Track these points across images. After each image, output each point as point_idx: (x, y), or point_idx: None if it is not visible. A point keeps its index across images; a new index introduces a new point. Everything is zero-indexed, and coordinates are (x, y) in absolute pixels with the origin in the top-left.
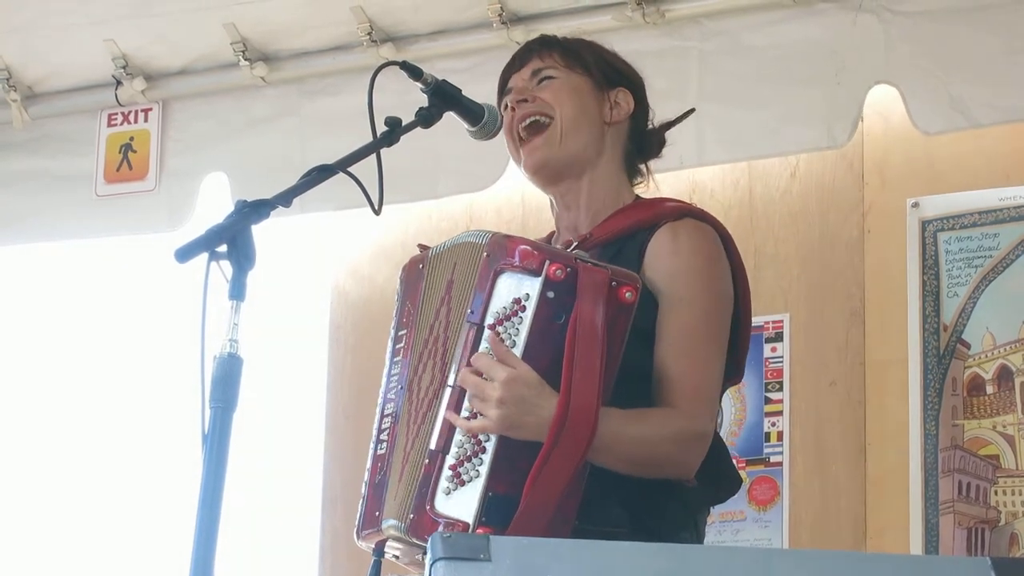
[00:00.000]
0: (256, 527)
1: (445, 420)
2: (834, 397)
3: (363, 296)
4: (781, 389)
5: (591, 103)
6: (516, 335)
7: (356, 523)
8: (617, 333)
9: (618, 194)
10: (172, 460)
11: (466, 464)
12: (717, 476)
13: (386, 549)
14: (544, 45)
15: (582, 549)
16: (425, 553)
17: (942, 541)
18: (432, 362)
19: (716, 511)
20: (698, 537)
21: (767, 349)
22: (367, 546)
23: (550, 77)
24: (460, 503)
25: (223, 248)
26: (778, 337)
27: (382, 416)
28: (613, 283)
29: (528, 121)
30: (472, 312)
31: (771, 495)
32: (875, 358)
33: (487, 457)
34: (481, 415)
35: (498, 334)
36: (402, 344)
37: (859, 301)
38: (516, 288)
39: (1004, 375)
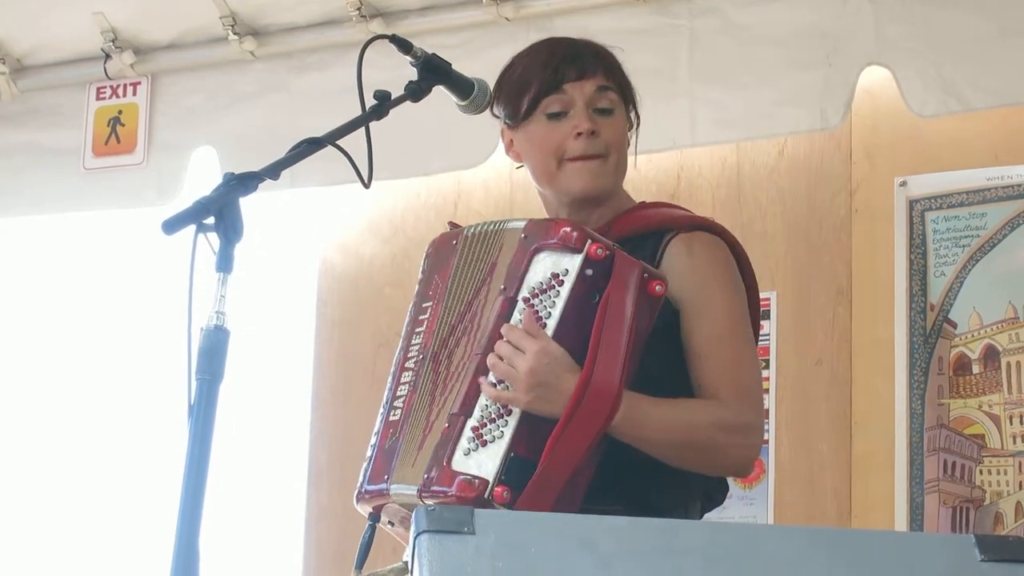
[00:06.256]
0: (241, 500)
1: (470, 385)
2: (820, 375)
3: (350, 271)
4: (767, 367)
5: (627, 139)
6: (552, 307)
7: (358, 484)
8: (644, 323)
9: (620, 204)
10: (159, 433)
11: (489, 426)
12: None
13: (382, 514)
14: (608, 67)
15: (566, 524)
16: None
17: (927, 520)
18: (467, 338)
19: None
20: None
21: None
22: (365, 509)
23: (610, 111)
24: (480, 462)
25: (210, 220)
26: (764, 315)
27: (397, 383)
28: (645, 275)
29: (590, 155)
30: (505, 288)
31: (756, 473)
32: (861, 337)
33: (512, 420)
34: (509, 385)
35: (533, 307)
36: (427, 315)
37: (846, 280)
38: (554, 264)
39: (990, 355)
